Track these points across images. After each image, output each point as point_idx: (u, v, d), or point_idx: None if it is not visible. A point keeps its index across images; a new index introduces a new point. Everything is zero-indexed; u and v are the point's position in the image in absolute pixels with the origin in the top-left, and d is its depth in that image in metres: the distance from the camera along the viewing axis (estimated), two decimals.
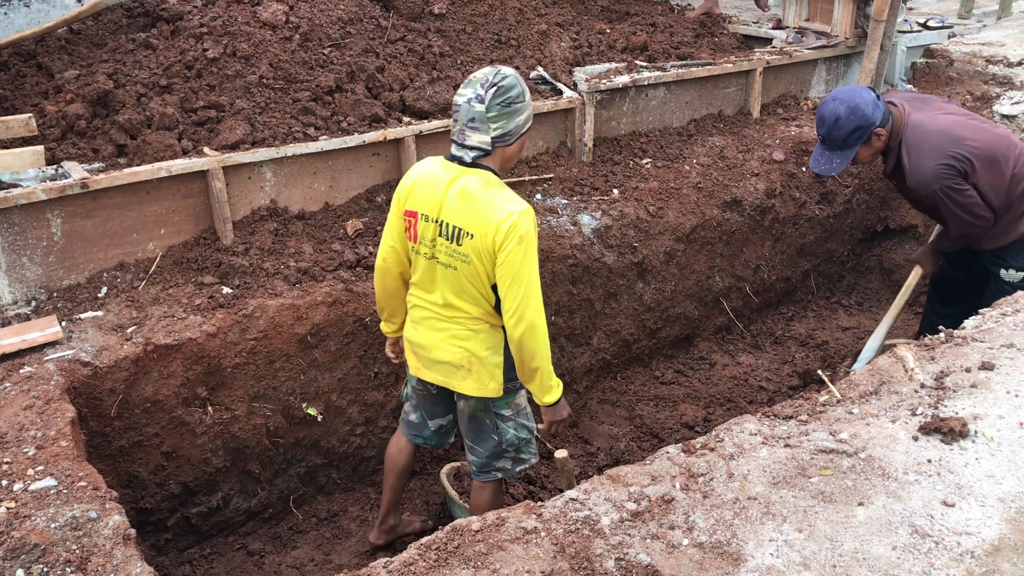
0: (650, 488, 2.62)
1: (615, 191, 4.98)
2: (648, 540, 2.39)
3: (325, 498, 4.30)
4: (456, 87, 4.89)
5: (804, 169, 5.61)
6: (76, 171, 3.75)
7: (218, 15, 4.59)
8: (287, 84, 4.45)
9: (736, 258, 5.48)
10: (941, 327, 3.53)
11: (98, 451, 3.47)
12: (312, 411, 3.99)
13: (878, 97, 3.99)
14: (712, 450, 2.80)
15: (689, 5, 7.14)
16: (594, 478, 2.71)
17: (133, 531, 2.56)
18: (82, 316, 3.65)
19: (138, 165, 3.88)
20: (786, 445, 2.80)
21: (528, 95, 3.14)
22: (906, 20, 6.71)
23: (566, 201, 4.84)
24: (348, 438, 4.22)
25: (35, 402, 3.12)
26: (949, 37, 7.17)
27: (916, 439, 2.77)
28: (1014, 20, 8.41)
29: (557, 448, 3.79)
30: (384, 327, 3.64)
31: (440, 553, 2.37)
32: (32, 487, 2.71)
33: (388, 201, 4.54)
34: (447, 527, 2.49)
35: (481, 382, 3.30)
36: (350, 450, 4.25)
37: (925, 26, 6.78)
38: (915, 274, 4.50)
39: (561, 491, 3.14)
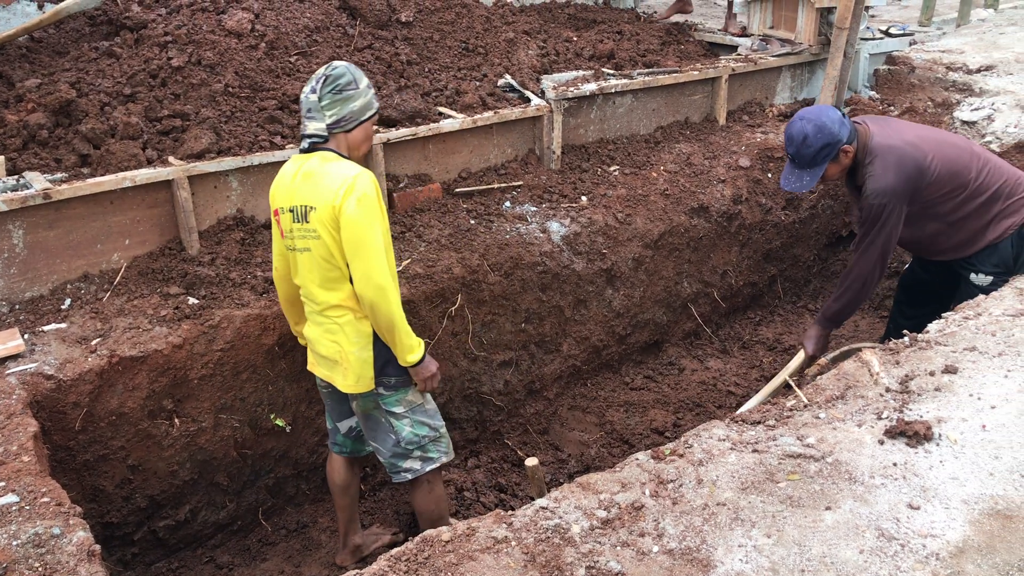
0: (620, 495, 2.62)
1: (584, 198, 5.00)
2: (618, 548, 2.40)
3: (294, 509, 4.27)
4: (424, 95, 4.90)
5: (770, 175, 5.66)
6: (38, 181, 3.70)
7: (183, 23, 4.55)
8: (253, 92, 4.42)
9: (704, 264, 5.52)
10: (905, 331, 3.58)
11: (62, 466, 3.42)
12: (280, 422, 3.96)
13: (843, 115, 4.05)
14: (681, 456, 2.81)
15: (656, 12, 7.19)
16: (564, 486, 2.71)
17: (98, 547, 2.52)
18: (45, 328, 3.59)
19: (102, 175, 3.84)
20: (754, 450, 2.82)
21: (364, 84, 3.28)
22: (868, 28, 6.81)
23: (535, 208, 4.85)
24: (317, 448, 4.19)
25: None
26: (910, 44, 7.29)
27: (882, 443, 2.80)
28: (972, 28, 8.55)
29: (528, 456, 3.78)
30: (293, 329, 3.76)
31: (410, 564, 2.36)
32: None
33: None
34: (417, 538, 2.48)
35: (351, 377, 3.33)
36: (319, 461, 4.22)
37: (887, 33, 6.88)
38: (797, 359, 4.34)
39: (532, 499, 3.14)
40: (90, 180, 3.78)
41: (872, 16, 8.75)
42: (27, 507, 2.65)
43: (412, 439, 3.48)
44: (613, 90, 5.34)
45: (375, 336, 3.31)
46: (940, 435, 2.82)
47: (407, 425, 3.46)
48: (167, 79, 4.30)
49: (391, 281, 3.19)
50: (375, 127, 3.76)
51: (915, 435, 2.79)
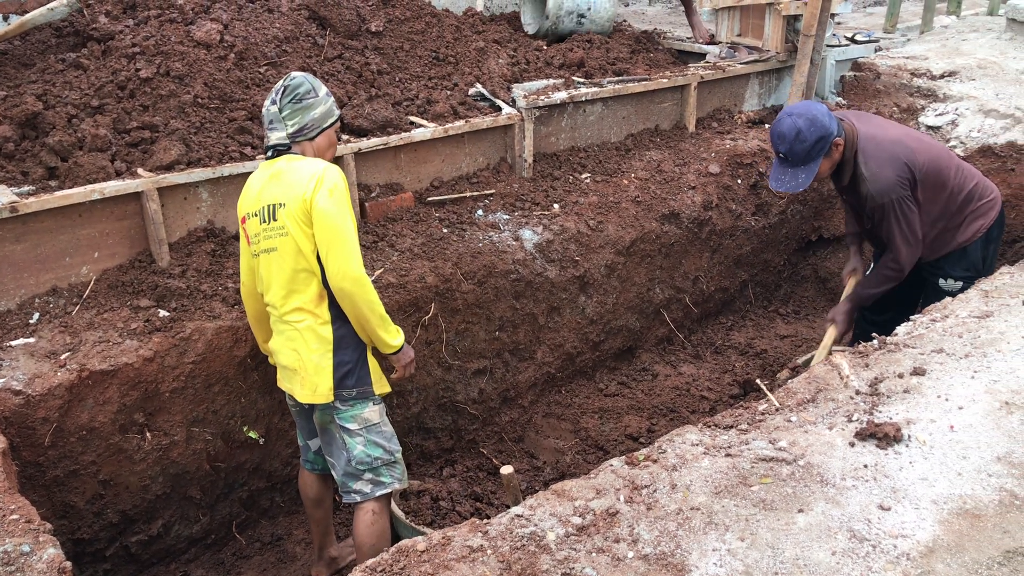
0: (595, 502, 2.63)
1: (556, 206, 5.02)
2: (594, 554, 2.40)
3: (269, 522, 4.24)
4: (395, 104, 4.90)
5: (739, 182, 5.71)
6: (4, 195, 3.66)
7: (151, 34, 4.52)
8: (223, 103, 4.40)
9: (675, 270, 5.56)
10: (875, 334, 3.62)
11: (31, 482, 3.38)
12: (253, 434, 3.93)
13: (828, 110, 4.04)
14: (655, 461, 2.83)
15: (625, 22, 7.24)
16: (539, 493, 2.71)
17: (69, 564, 2.49)
18: (13, 343, 3.55)
19: (70, 188, 3.80)
20: (727, 455, 2.84)
21: (323, 92, 3.35)
22: (834, 35, 6.89)
23: (507, 216, 4.86)
24: (291, 460, 4.17)
25: None
26: (876, 51, 7.39)
27: (852, 445, 2.83)
28: (936, 35, 8.69)
29: (503, 464, 3.78)
30: (262, 348, 3.74)
31: (385, 575, 2.36)
32: None
33: None
34: (392, 548, 2.48)
35: (308, 387, 3.31)
36: (293, 473, 4.20)
37: (853, 40, 6.97)
38: (830, 335, 4.41)
39: (507, 507, 3.15)
40: (58, 193, 3.74)
41: (838, 23, 8.86)
42: None
43: (364, 459, 3.40)
44: (584, 98, 5.37)
45: (335, 344, 3.29)
46: (909, 436, 2.85)
47: (360, 444, 3.39)
48: (135, 90, 4.28)
49: (364, 271, 3.21)
50: (339, 135, 3.78)
51: (885, 437, 2.82)
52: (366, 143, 4.50)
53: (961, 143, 5.78)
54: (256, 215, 3.30)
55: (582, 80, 5.54)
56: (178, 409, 3.72)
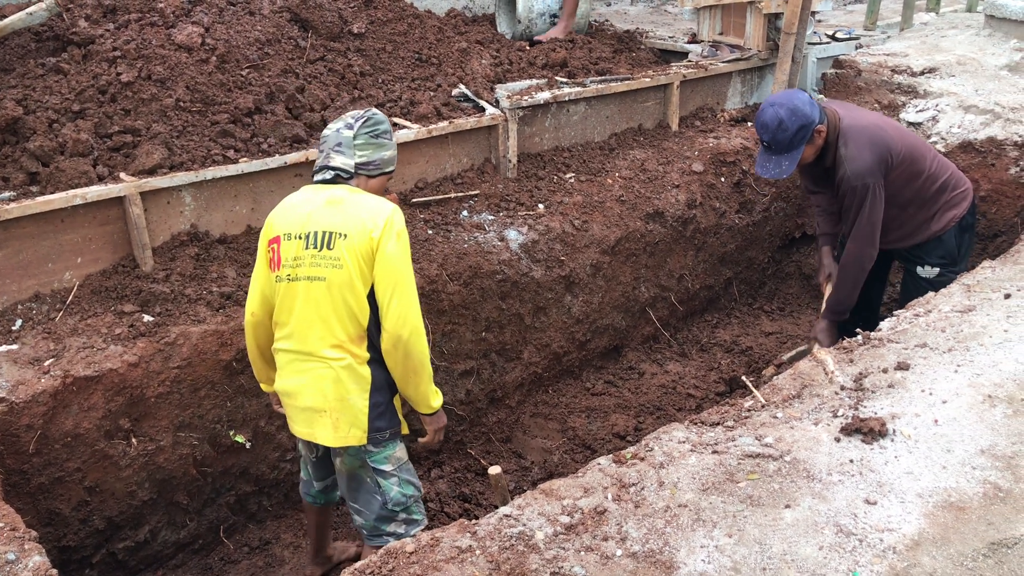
0: (583, 500, 2.64)
1: (540, 206, 5.03)
2: (582, 553, 2.41)
3: (256, 526, 4.22)
4: (379, 105, 4.89)
5: (723, 180, 5.74)
6: None
7: (132, 38, 4.50)
8: (205, 107, 4.38)
9: (660, 268, 5.57)
10: (858, 330, 3.65)
11: (16, 489, 3.35)
12: (240, 438, 3.92)
13: (810, 97, 4.13)
14: (642, 459, 2.84)
15: (607, 21, 7.25)
16: (528, 493, 2.72)
17: (55, 571, 2.48)
18: None
19: (51, 193, 3.78)
20: (714, 451, 2.85)
21: (393, 138, 3.32)
22: (815, 32, 6.93)
23: (492, 217, 4.86)
24: (278, 464, 4.16)
25: None
26: (856, 48, 7.43)
27: (838, 440, 2.85)
28: (915, 32, 8.75)
29: (491, 465, 3.78)
30: (265, 387, 3.54)
31: None
32: None
33: None
34: (381, 551, 2.48)
35: (342, 429, 3.12)
36: (281, 476, 4.18)
37: (833, 38, 7.01)
38: (813, 347, 4.38)
39: (495, 507, 3.15)
40: (39, 198, 3.72)
41: (819, 21, 8.90)
42: None
43: (400, 499, 3.28)
44: (567, 98, 5.38)
45: (372, 385, 3.13)
46: (894, 431, 2.88)
47: (395, 484, 3.26)
48: (117, 95, 4.25)
49: (422, 323, 3.14)
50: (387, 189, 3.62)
51: (870, 432, 2.84)
52: None
53: (942, 139, 5.82)
54: (301, 238, 3.09)
55: (565, 80, 5.55)
56: (164, 414, 3.70)
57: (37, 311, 3.76)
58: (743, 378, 4.14)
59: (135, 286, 3.89)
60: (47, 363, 3.47)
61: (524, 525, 2.53)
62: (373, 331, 3.14)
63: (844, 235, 4.35)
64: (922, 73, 6.79)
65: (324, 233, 3.06)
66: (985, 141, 5.70)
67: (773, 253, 6.36)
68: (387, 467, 3.25)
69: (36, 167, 3.89)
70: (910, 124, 6.18)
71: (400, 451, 3.30)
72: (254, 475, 4.10)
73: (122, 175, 3.95)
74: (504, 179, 5.19)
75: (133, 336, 3.65)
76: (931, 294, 3.93)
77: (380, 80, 5.14)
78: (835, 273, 4.49)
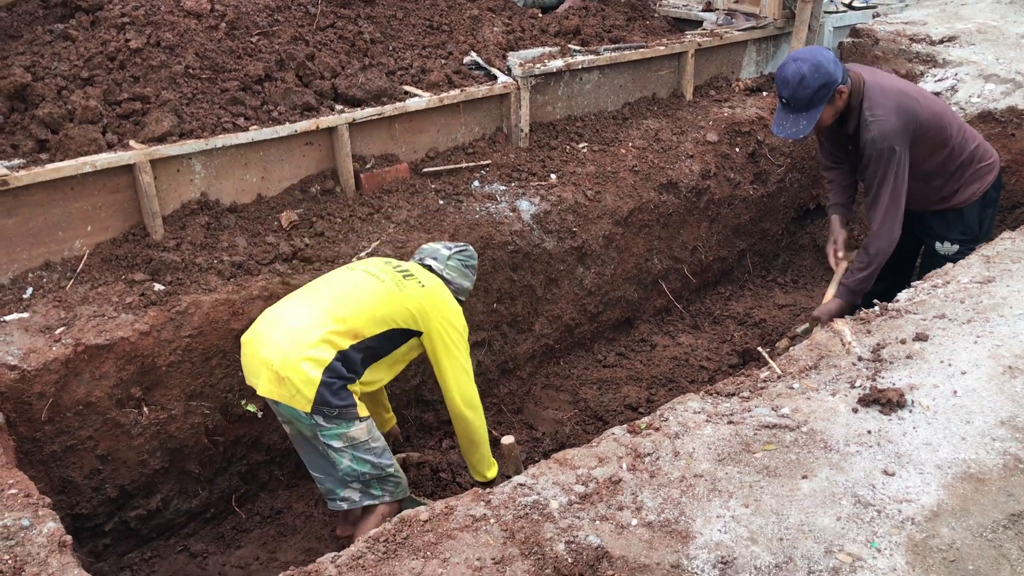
0: (597, 470, 2.61)
1: (553, 176, 4.97)
2: (597, 522, 2.39)
3: (268, 495, 4.22)
4: (389, 73, 4.83)
5: (737, 150, 5.67)
6: None
7: (140, 4, 4.45)
8: (214, 74, 4.34)
9: (673, 240, 5.52)
10: (876, 301, 3.60)
11: (28, 457, 3.35)
12: (252, 408, 3.89)
13: (835, 56, 3.98)
14: (657, 430, 2.81)
15: None
16: (542, 462, 2.70)
17: (69, 537, 2.48)
18: (7, 318, 3.51)
19: (61, 160, 3.75)
20: (730, 422, 2.82)
21: (470, 285, 3.81)
22: (832, 1, 6.82)
23: (504, 187, 4.81)
24: None
25: None
26: (874, 17, 7.31)
27: (856, 411, 2.82)
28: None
29: (504, 435, 3.77)
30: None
31: (389, 545, 2.34)
32: None
33: (323, 191, 4.47)
34: (395, 519, 2.46)
35: (288, 389, 3.21)
36: (292, 446, 4.17)
37: (850, 6, 6.91)
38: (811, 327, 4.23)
39: (507, 478, 3.13)
40: (49, 166, 3.69)
41: None
42: None
43: (350, 471, 3.36)
44: (580, 66, 5.31)
45: (329, 368, 3.22)
46: (913, 402, 2.84)
47: (346, 459, 3.33)
48: (125, 61, 4.21)
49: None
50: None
51: (888, 403, 2.81)
52: (360, 113, 4.45)
53: (961, 109, 5.73)
54: (384, 258, 3.68)
55: (578, 48, 5.48)
56: (175, 383, 3.69)
57: (48, 279, 3.74)
58: (759, 349, 4.09)
59: (145, 255, 3.87)
60: (58, 331, 3.45)
61: (539, 494, 2.51)
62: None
63: (865, 209, 4.19)
64: (941, 42, 6.68)
65: (400, 268, 3.57)
66: (1005, 111, 5.60)
67: (787, 225, 6.29)
68: (336, 443, 3.30)
69: (45, 134, 3.85)
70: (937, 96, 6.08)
71: (356, 431, 3.31)
72: (266, 444, 4.09)
73: (132, 143, 3.91)
74: (516, 149, 5.14)
75: (144, 305, 3.64)
76: (949, 265, 3.87)
77: (391, 47, 5.08)
78: (842, 241, 4.38)
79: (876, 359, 3.11)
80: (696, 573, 2.21)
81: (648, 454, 2.68)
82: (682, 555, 2.27)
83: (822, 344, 3.28)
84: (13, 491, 2.64)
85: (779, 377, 3.10)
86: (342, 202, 4.46)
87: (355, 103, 4.55)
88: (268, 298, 3.83)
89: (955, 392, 2.88)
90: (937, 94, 5.90)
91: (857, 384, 2.97)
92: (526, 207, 4.73)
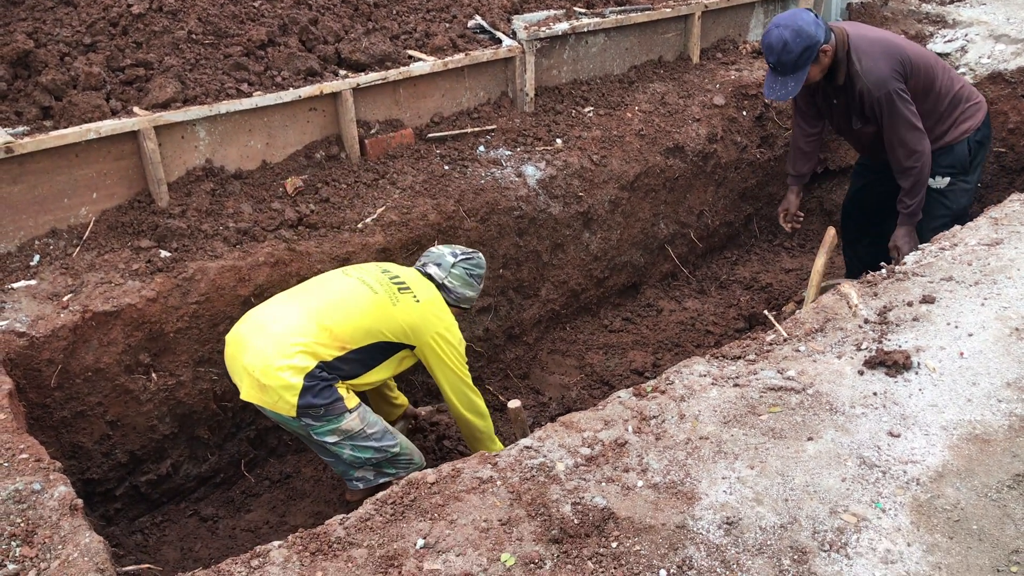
0: (603, 433, 2.63)
1: (558, 141, 4.95)
2: (603, 484, 2.41)
3: (277, 460, 4.26)
4: (393, 38, 4.79)
5: (744, 113, 5.63)
6: None
7: None
8: (217, 39, 4.31)
9: (680, 204, 5.50)
10: (882, 263, 3.60)
11: (39, 423, 3.38)
12: None
13: (816, 16, 4.06)
14: (663, 392, 2.82)
15: None
16: (548, 425, 2.71)
17: (80, 501, 2.50)
18: (14, 286, 3.53)
19: (65, 127, 3.74)
20: (735, 385, 2.83)
21: (480, 287, 3.78)
22: None
23: (509, 152, 4.79)
24: None
25: None
26: None
27: (862, 373, 2.82)
28: None
29: (510, 399, 3.78)
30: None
31: (396, 507, 2.36)
32: None
33: (328, 157, 4.45)
34: (402, 480, 2.48)
35: (270, 395, 3.22)
36: None
37: None
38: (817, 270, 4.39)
39: (515, 441, 3.15)
40: (53, 133, 3.68)
41: None
42: (5, 464, 2.61)
43: (354, 459, 3.41)
44: (585, 29, 5.26)
45: (310, 375, 3.21)
46: (919, 364, 2.84)
47: (346, 449, 3.37)
48: (128, 27, 4.18)
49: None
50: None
51: (894, 365, 2.81)
52: (364, 78, 4.42)
53: (971, 70, 5.67)
54: (384, 272, 3.54)
55: (584, 10, 5.42)
56: (183, 349, 3.71)
57: (54, 247, 3.75)
58: (765, 312, 4.10)
59: (151, 221, 3.87)
60: (66, 298, 3.47)
61: (545, 456, 2.53)
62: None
63: (888, 153, 4.26)
64: (951, 1, 6.60)
65: (396, 278, 3.51)
66: (1015, 72, 5.54)
67: None
68: (331, 439, 3.33)
69: (49, 101, 3.84)
70: (938, 55, 6.01)
71: (348, 423, 3.31)
72: None
73: (136, 109, 3.90)
74: (521, 113, 5.11)
75: (151, 271, 3.65)
76: (957, 227, 3.85)
77: (394, 11, 5.03)
78: (794, 202, 4.78)
79: (882, 321, 3.11)
80: (701, 533, 2.23)
81: (654, 417, 2.69)
82: (687, 516, 2.28)
83: (828, 307, 3.28)
84: (24, 456, 2.66)
85: (785, 340, 3.10)
86: (347, 168, 4.45)
87: (359, 68, 4.52)
88: (274, 264, 3.83)
89: (961, 354, 2.88)
90: (946, 55, 5.84)
91: (863, 347, 2.97)
92: (532, 172, 4.71)
